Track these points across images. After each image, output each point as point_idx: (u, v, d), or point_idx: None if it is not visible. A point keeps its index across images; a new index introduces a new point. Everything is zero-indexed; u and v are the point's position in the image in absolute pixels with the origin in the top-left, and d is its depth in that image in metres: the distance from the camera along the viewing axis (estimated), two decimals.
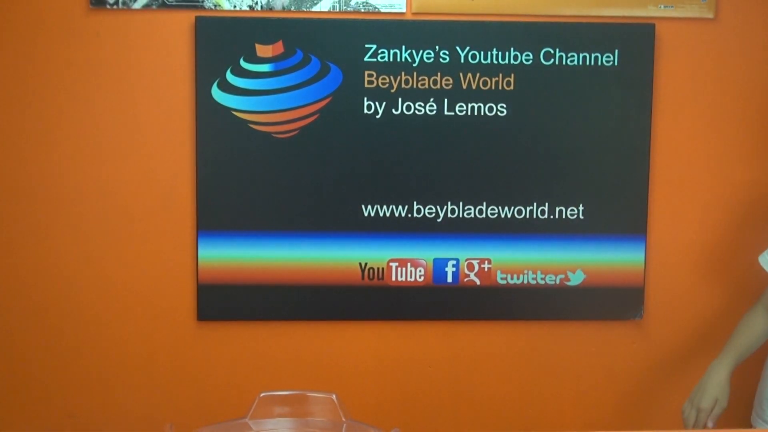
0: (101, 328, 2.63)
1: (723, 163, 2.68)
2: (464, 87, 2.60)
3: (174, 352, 2.64)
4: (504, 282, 2.65)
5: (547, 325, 2.71)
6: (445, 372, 2.70)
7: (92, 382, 2.64)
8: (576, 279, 2.66)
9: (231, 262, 2.59)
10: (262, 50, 2.55)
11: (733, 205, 2.68)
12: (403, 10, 2.59)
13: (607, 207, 2.65)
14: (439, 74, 2.59)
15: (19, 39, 2.53)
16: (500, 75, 2.60)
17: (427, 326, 2.68)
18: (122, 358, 2.64)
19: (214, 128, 2.56)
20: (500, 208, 2.63)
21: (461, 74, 2.59)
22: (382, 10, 2.58)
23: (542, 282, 2.66)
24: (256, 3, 2.56)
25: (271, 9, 2.56)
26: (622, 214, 2.66)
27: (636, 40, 2.61)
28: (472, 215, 2.63)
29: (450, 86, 2.59)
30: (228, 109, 2.55)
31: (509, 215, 2.63)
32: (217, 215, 2.58)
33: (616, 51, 2.61)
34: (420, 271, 2.63)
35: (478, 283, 2.65)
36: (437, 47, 2.58)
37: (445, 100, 2.60)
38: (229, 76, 2.55)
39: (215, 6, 2.55)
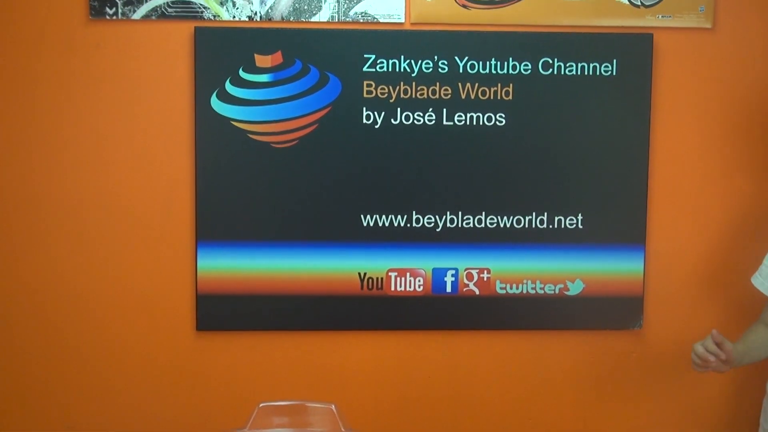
0: (100, 338, 2.62)
1: (722, 173, 2.68)
2: (463, 97, 2.60)
3: (173, 362, 2.63)
4: (503, 292, 2.65)
5: (547, 335, 2.70)
6: (445, 382, 2.69)
7: (91, 393, 2.64)
8: (575, 288, 2.66)
9: (230, 272, 2.59)
10: (261, 60, 2.56)
11: (732, 215, 2.68)
12: (402, 21, 2.59)
13: (606, 216, 2.65)
14: (437, 84, 2.59)
15: (19, 50, 2.54)
16: (499, 85, 2.60)
17: (426, 336, 2.67)
18: (121, 368, 2.63)
19: (213, 138, 2.56)
20: (499, 217, 2.63)
21: (460, 84, 2.60)
22: (381, 21, 2.59)
23: (541, 291, 2.65)
24: (255, 13, 2.56)
25: (270, 19, 2.57)
26: (621, 223, 2.66)
27: (634, 50, 2.61)
28: (471, 225, 2.62)
29: (449, 96, 2.60)
30: (227, 119, 2.56)
31: (508, 225, 2.63)
32: (217, 225, 2.58)
33: (615, 61, 2.61)
34: (419, 280, 2.63)
35: (477, 292, 2.64)
36: (436, 57, 2.59)
37: (444, 110, 2.60)
38: (229, 87, 2.55)
39: (214, 16, 2.56)
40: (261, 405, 1.99)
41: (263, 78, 2.56)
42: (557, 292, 2.66)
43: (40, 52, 2.54)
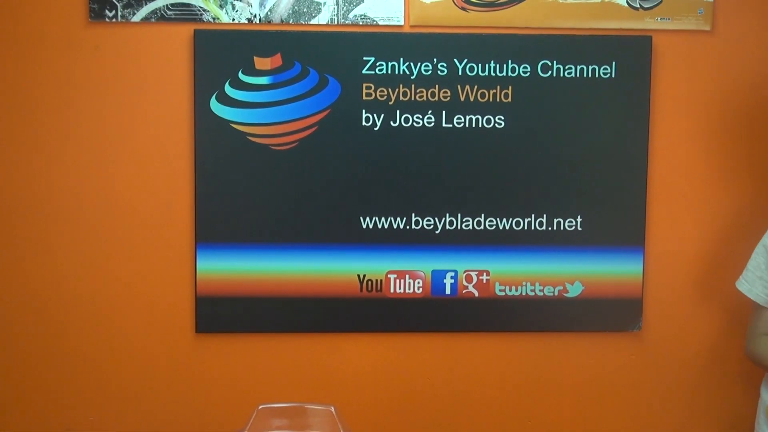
0: (100, 340, 2.62)
1: (721, 174, 2.68)
2: (462, 99, 2.60)
3: (172, 365, 2.63)
4: (502, 294, 2.65)
5: (546, 337, 2.70)
6: (444, 384, 2.69)
7: (90, 395, 2.63)
8: (574, 291, 2.66)
9: (229, 275, 2.59)
10: (261, 63, 2.56)
11: (732, 217, 2.68)
12: (401, 23, 2.59)
13: (605, 218, 2.65)
14: (437, 86, 2.59)
15: (18, 52, 2.54)
16: (498, 87, 2.60)
17: (425, 338, 2.67)
18: (121, 370, 2.63)
19: (212, 140, 2.56)
20: (498, 219, 2.63)
21: (459, 86, 2.60)
22: (380, 23, 2.59)
23: (540, 294, 2.65)
24: (255, 16, 2.56)
25: (269, 22, 2.57)
26: (620, 225, 2.66)
27: (633, 53, 2.62)
28: (471, 227, 2.62)
29: (448, 98, 2.60)
30: (226, 122, 2.56)
31: (507, 227, 2.63)
32: (216, 227, 2.58)
33: (614, 63, 2.61)
34: (418, 282, 2.63)
35: (476, 294, 2.64)
36: (435, 60, 2.59)
37: (443, 112, 2.60)
38: (228, 89, 2.55)
39: (214, 19, 2.56)
40: (260, 407, 1.98)
41: (263, 80, 2.56)
42: (556, 294, 2.66)
43: (40, 54, 2.54)
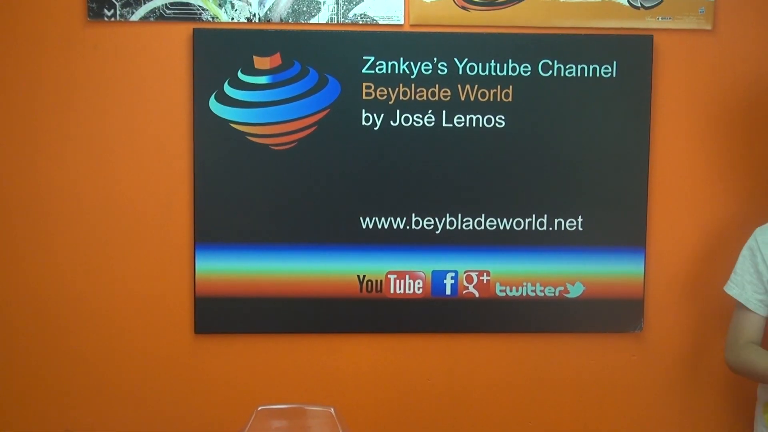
0: (98, 340, 2.61)
1: (722, 174, 2.68)
2: (462, 99, 2.59)
3: (171, 366, 2.62)
4: (503, 294, 2.64)
5: (546, 338, 2.69)
6: (444, 385, 2.68)
7: (89, 396, 2.62)
8: (575, 291, 2.65)
9: (229, 275, 2.58)
10: (260, 62, 2.55)
11: (734, 217, 2.67)
12: (401, 22, 2.58)
13: (606, 219, 2.64)
14: (437, 86, 2.58)
15: (17, 51, 2.53)
16: (498, 87, 2.59)
17: (425, 339, 2.66)
18: (119, 370, 2.62)
19: (211, 140, 2.55)
20: (499, 219, 2.62)
21: (459, 86, 2.59)
22: (380, 22, 2.58)
23: (541, 294, 2.64)
24: (254, 15, 2.56)
25: (268, 21, 2.56)
26: (621, 225, 2.65)
27: (634, 52, 2.61)
28: (471, 227, 2.62)
29: (448, 98, 2.59)
30: (226, 121, 2.55)
31: (508, 227, 2.62)
32: (215, 227, 2.57)
33: (615, 62, 2.60)
34: (418, 283, 2.62)
35: (476, 295, 2.63)
36: (435, 59, 2.58)
37: (444, 112, 2.59)
38: (227, 88, 2.54)
39: (213, 18, 2.55)
40: (259, 408, 1.98)
41: (262, 80, 2.55)
42: (557, 294, 2.65)
43: (38, 53, 2.53)
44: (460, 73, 2.59)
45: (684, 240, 2.69)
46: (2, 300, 2.60)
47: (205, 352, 2.62)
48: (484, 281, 2.63)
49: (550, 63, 2.60)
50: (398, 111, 2.58)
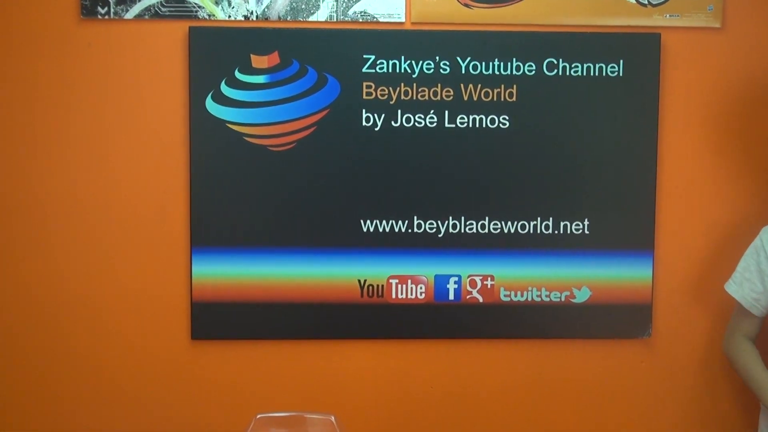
0: (92, 346, 2.58)
1: (732, 175, 2.65)
2: (465, 98, 2.56)
3: (167, 373, 2.60)
4: (507, 299, 2.61)
5: (552, 344, 2.66)
6: (447, 392, 2.65)
7: (83, 404, 2.59)
8: (581, 296, 2.62)
9: (226, 279, 2.55)
10: (258, 61, 2.52)
11: (744, 219, 2.64)
12: (403, 20, 2.56)
13: (613, 221, 2.61)
14: (439, 85, 2.55)
15: (9, 50, 2.50)
16: (502, 86, 2.56)
17: (428, 345, 2.64)
18: (114, 377, 2.59)
19: (208, 141, 2.52)
20: (503, 222, 2.59)
21: (462, 85, 2.56)
22: (381, 20, 2.55)
23: (547, 299, 2.61)
24: (252, 13, 2.53)
25: (266, 19, 2.53)
26: (628, 228, 2.62)
27: (641, 50, 2.58)
28: (474, 230, 2.58)
29: (451, 98, 2.56)
30: (222, 122, 2.52)
31: (512, 230, 2.59)
32: (212, 231, 2.54)
33: (621, 61, 2.58)
34: (421, 288, 2.59)
35: (480, 300, 2.60)
36: (437, 58, 2.55)
37: (446, 112, 2.56)
38: (224, 88, 2.51)
39: (210, 16, 2.52)
40: (258, 416, 1.98)
41: (260, 79, 2.52)
42: (563, 299, 2.61)
43: (30, 52, 2.50)
44: (463, 72, 2.56)
45: (693, 243, 2.66)
46: None
47: (202, 358, 2.59)
48: (488, 286, 2.60)
49: (555, 62, 2.57)
50: (399, 111, 2.55)
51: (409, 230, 2.57)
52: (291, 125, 2.53)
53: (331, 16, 2.54)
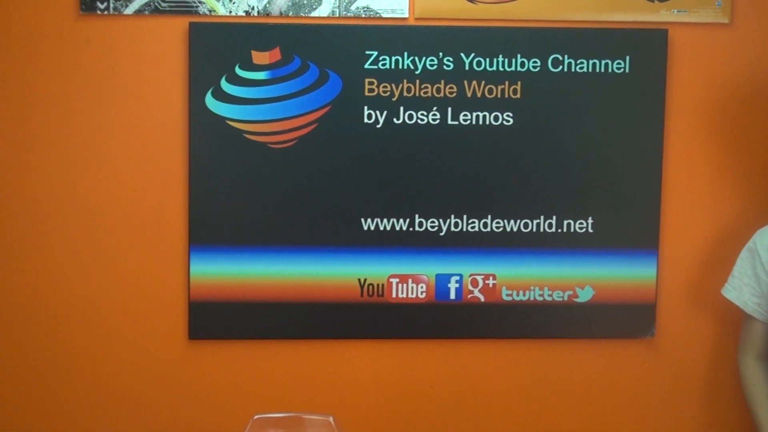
0: (89, 346, 2.57)
1: (739, 174, 2.62)
2: (469, 95, 2.54)
3: (164, 373, 2.59)
4: (509, 299, 2.59)
5: (555, 344, 2.65)
6: (448, 393, 2.64)
7: (79, 404, 2.59)
8: (585, 295, 2.60)
9: (224, 278, 2.53)
10: (259, 57, 2.50)
11: (751, 218, 2.61)
12: (406, 16, 2.53)
13: (617, 220, 2.59)
14: (442, 82, 2.53)
15: (6, 45, 2.48)
16: (506, 83, 2.54)
17: (429, 345, 2.62)
18: (111, 377, 2.58)
19: (207, 138, 2.50)
20: (506, 221, 2.57)
21: (466, 82, 2.53)
22: (384, 16, 2.52)
23: (549, 299, 2.59)
24: (253, 8, 2.50)
25: (268, 14, 2.51)
26: (632, 227, 2.60)
27: (648, 46, 2.55)
28: (477, 229, 2.56)
29: (454, 94, 2.53)
30: (222, 119, 2.50)
31: (515, 229, 2.57)
32: (211, 229, 2.53)
33: (628, 57, 2.55)
34: (422, 287, 2.57)
35: (482, 299, 2.58)
36: (441, 54, 2.53)
37: (449, 109, 2.54)
38: (224, 84, 2.49)
39: (210, 11, 2.50)
40: (256, 417, 1.97)
41: (260, 75, 2.50)
42: (566, 299, 2.60)
43: (29, 48, 2.48)
44: (467, 68, 2.53)
45: (698, 243, 2.64)
46: None
47: (200, 358, 2.58)
48: (490, 285, 2.58)
49: (561, 58, 2.54)
50: (402, 108, 2.53)
51: (410, 229, 2.56)
52: (292, 122, 2.51)
53: (333, 11, 2.51)
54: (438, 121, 2.54)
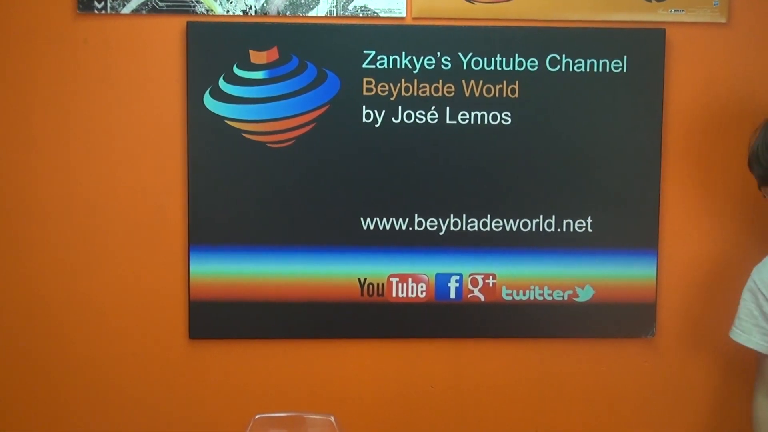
0: (88, 346, 2.56)
1: (737, 174, 2.60)
2: (467, 94, 2.53)
3: (165, 372, 2.57)
4: (509, 298, 2.58)
5: (555, 343, 2.64)
6: (448, 392, 2.63)
7: (79, 404, 2.57)
8: (585, 295, 2.59)
9: (224, 278, 2.52)
10: (257, 57, 2.49)
11: (749, 218, 2.62)
12: (404, 15, 2.53)
13: (616, 220, 2.58)
14: (440, 81, 2.53)
15: (4, 45, 2.48)
16: (504, 82, 2.54)
17: (429, 344, 2.61)
18: (110, 377, 2.57)
19: (206, 138, 2.49)
20: (505, 220, 2.56)
21: (464, 81, 2.53)
22: (382, 15, 2.52)
23: (549, 298, 2.59)
24: (250, 7, 2.50)
25: (265, 14, 2.50)
26: (632, 227, 2.59)
27: (646, 46, 2.55)
28: (476, 228, 2.56)
29: (452, 94, 2.53)
30: (221, 118, 2.49)
31: (514, 228, 2.56)
32: (210, 229, 2.51)
33: (625, 57, 2.55)
34: (422, 286, 2.56)
35: (482, 299, 2.57)
36: (439, 53, 2.52)
37: (447, 108, 2.53)
38: (222, 84, 2.49)
39: (207, 11, 2.49)
40: (257, 416, 1.96)
41: (258, 75, 2.49)
42: (566, 298, 2.59)
43: (25, 47, 2.47)
44: (465, 67, 2.53)
45: (698, 242, 2.63)
46: None
47: (200, 358, 2.57)
48: (490, 284, 2.58)
49: (559, 57, 2.54)
50: (400, 107, 2.52)
51: (410, 228, 2.55)
52: (290, 121, 2.50)
53: (331, 11, 2.51)
54: (436, 121, 2.53)
